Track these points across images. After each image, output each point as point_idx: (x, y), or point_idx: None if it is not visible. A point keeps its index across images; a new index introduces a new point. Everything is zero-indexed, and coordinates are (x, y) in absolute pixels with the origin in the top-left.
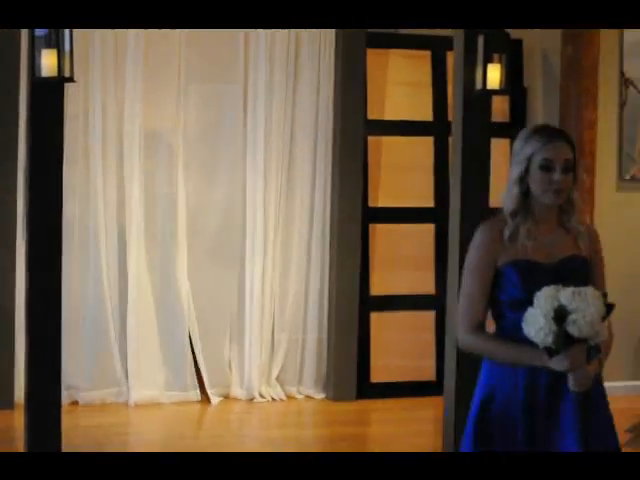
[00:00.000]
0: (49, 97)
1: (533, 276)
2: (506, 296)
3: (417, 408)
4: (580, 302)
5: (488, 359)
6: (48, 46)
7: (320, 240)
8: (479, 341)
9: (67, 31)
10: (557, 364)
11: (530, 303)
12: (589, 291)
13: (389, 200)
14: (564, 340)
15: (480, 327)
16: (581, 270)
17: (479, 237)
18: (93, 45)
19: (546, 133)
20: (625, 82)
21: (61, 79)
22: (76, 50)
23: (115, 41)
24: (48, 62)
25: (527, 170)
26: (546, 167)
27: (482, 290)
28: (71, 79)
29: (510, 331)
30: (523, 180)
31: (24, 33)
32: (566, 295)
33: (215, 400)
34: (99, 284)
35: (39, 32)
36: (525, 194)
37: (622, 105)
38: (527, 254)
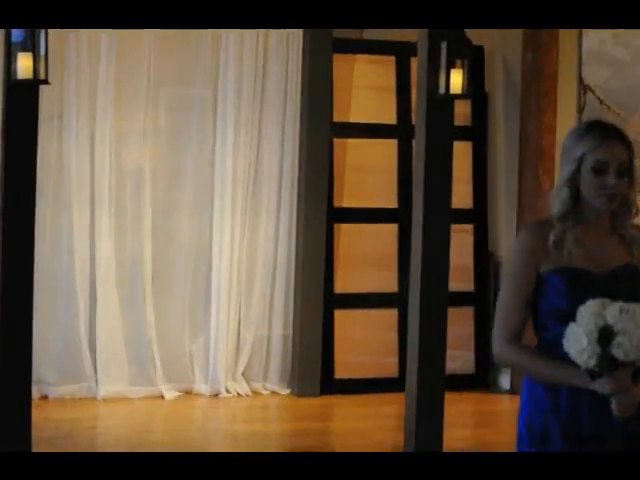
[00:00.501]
0: (24, 99)
1: (581, 286)
2: (550, 306)
3: (380, 404)
4: (628, 322)
5: (527, 379)
6: (24, 49)
7: (286, 239)
8: (515, 354)
9: (42, 35)
10: (600, 387)
11: (575, 315)
12: (638, 309)
13: (354, 200)
14: (608, 363)
15: (517, 339)
16: (635, 281)
17: (520, 241)
18: (68, 49)
19: (600, 131)
20: (584, 88)
21: (36, 81)
22: (51, 54)
23: (89, 46)
24: (24, 65)
25: (578, 171)
26: (599, 170)
27: (521, 299)
28: (46, 81)
29: (553, 345)
30: (574, 182)
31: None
32: (613, 312)
33: (169, 395)
34: (71, 282)
35: (15, 37)
36: (575, 197)
37: (581, 110)
38: (574, 262)
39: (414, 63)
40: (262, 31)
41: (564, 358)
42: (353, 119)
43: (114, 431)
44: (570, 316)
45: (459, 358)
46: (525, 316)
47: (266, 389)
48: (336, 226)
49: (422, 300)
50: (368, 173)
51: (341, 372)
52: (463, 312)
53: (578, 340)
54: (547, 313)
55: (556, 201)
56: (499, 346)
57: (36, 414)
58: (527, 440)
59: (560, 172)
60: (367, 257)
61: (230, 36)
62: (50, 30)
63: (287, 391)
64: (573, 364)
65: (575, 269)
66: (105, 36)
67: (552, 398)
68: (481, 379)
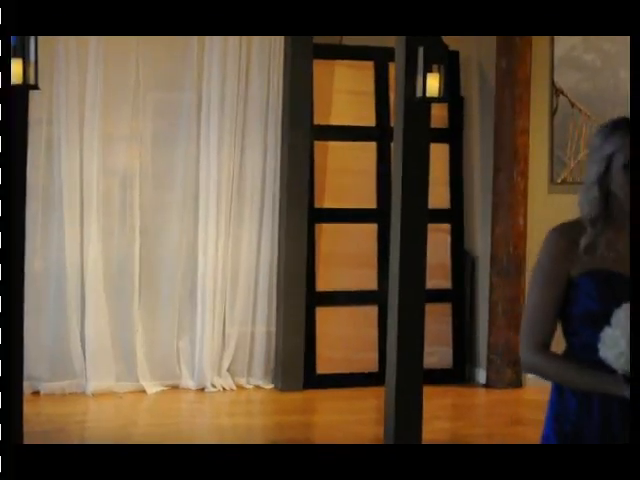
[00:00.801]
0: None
1: (613, 289)
2: (580, 309)
3: (360, 398)
4: None
5: (556, 384)
6: (14, 56)
7: (269, 239)
8: (545, 362)
9: (32, 41)
10: None
11: (607, 319)
12: None
13: (334, 201)
14: None
15: (546, 346)
16: None
17: (549, 244)
18: (57, 55)
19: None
20: (556, 91)
21: (26, 87)
22: (41, 60)
23: (77, 52)
24: (14, 70)
25: (608, 170)
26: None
27: (550, 304)
28: (36, 87)
29: (584, 351)
30: (603, 181)
31: None
32: None
33: (156, 390)
34: (61, 282)
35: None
36: (605, 197)
37: (553, 113)
38: (606, 265)
39: (392, 68)
40: (245, 37)
41: (595, 364)
42: (333, 122)
43: (104, 425)
44: (602, 320)
45: (437, 353)
46: (554, 323)
47: (250, 384)
48: (317, 226)
49: (401, 297)
50: (348, 175)
51: (323, 367)
52: (441, 308)
53: (616, 343)
54: (578, 317)
55: (584, 203)
56: (528, 355)
57: (28, 409)
58: (555, 441)
59: (587, 173)
60: (347, 256)
61: (214, 42)
62: (40, 36)
63: (271, 386)
64: (605, 370)
65: (607, 271)
66: (93, 42)
67: (583, 404)
68: (458, 373)
